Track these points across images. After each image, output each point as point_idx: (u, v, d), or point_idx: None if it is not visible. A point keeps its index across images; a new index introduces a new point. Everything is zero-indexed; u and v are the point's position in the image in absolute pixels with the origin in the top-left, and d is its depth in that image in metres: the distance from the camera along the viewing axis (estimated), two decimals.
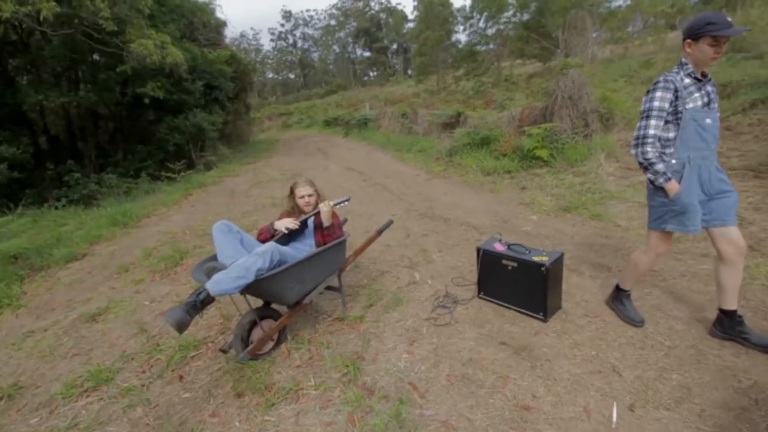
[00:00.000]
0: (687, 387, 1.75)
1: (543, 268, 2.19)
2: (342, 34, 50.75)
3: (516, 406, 1.72)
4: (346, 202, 2.64)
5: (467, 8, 24.59)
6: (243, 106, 16.77)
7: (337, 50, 52.21)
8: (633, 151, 1.96)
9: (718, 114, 1.92)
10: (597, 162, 5.33)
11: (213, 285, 1.85)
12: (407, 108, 13.36)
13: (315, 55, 54.95)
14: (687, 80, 1.87)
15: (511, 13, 23.43)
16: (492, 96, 13.70)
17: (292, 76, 56.65)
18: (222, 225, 2.30)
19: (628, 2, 21.93)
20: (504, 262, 2.40)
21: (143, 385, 2.12)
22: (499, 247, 2.48)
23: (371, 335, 2.36)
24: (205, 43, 12.81)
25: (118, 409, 1.96)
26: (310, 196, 2.63)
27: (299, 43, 54.31)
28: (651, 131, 1.89)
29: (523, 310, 2.38)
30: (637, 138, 1.93)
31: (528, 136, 6.16)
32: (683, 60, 1.90)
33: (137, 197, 8.13)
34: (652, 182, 1.95)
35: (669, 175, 1.88)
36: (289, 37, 53.61)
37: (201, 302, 1.82)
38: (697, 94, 1.86)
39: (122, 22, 8.09)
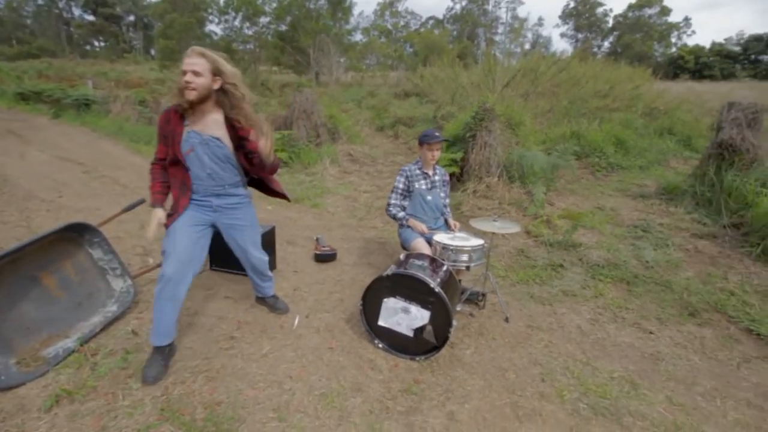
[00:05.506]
0: (341, 299, 2.86)
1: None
2: None
3: (231, 331, 2.36)
4: None
5: (221, 2, 23.83)
6: None
7: (41, 2, 39.18)
8: (386, 212, 2.96)
9: (443, 194, 2.97)
10: (323, 165, 6.75)
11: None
12: (147, 95, 11.93)
13: None
14: (417, 171, 2.92)
15: (267, 20, 24.42)
16: None
17: None
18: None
19: (365, 40, 27.17)
20: None
21: None
22: None
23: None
24: None
25: None
26: (196, 74, 1.78)
27: None
28: (392, 201, 2.93)
29: (244, 273, 3.04)
30: (387, 205, 2.96)
31: None
32: (419, 158, 2.96)
33: None
34: (401, 225, 2.88)
35: (407, 217, 2.85)
36: None
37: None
38: (422, 180, 2.91)
39: None
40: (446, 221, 3.02)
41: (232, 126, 1.92)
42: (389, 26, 33.00)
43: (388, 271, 2.14)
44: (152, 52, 33.96)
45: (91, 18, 39.27)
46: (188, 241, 1.94)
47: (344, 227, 4.42)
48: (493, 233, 2.69)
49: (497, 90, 8.74)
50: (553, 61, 9.98)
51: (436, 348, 2.17)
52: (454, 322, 2.11)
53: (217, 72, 1.82)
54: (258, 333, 2.38)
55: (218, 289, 2.86)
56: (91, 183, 5.59)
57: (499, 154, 5.57)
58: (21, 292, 2.12)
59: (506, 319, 2.74)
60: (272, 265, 3.19)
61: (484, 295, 2.84)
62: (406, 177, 2.94)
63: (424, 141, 2.84)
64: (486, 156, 5.49)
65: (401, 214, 2.90)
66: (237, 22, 24.33)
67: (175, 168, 1.98)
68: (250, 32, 24.92)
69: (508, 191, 5.27)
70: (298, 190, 5.65)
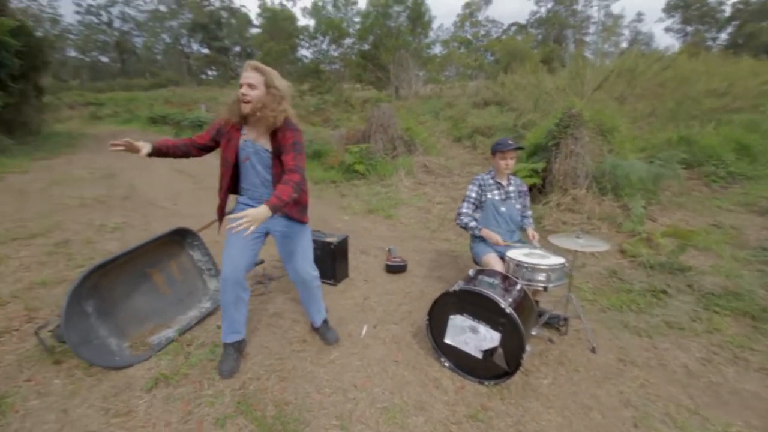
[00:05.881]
0: (410, 312, 2.83)
1: (331, 245, 3.06)
2: (175, 23, 45.61)
3: (304, 334, 2.48)
4: None
5: (311, 28, 25.91)
6: (33, 89, 13.48)
7: (168, 40, 46.59)
8: (456, 221, 2.85)
9: (520, 207, 2.82)
10: (399, 177, 6.83)
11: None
12: None
13: (138, 41, 47.50)
14: (490, 180, 2.83)
15: (351, 41, 25.90)
16: (330, 114, 15.00)
17: (105, 59, 47.31)
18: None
19: (444, 52, 27.24)
20: None
21: None
22: None
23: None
24: None
25: None
26: (251, 87, 1.86)
27: (117, 23, 46.04)
28: (464, 210, 2.81)
29: (321, 279, 3.19)
30: (457, 214, 2.85)
31: (350, 153, 7.34)
32: (492, 167, 2.87)
33: None
34: (473, 235, 2.78)
35: (480, 226, 2.71)
36: (103, 13, 44.91)
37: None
38: (496, 191, 2.81)
39: None
40: (525, 230, 2.83)
41: (274, 135, 1.95)
42: (469, 36, 32.56)
43: (456, 287, 2.06)
44: None
45: (206, 51, 45.60)
46: (243, 247, 2.08)
47: (416, 239, 4.41)
48: (576, 251, 2.44)
49: (586, 94, 8.04)
50: (655, 59, 8.90)
51: (507, 374, 2.02)
52: (528, 348, 1.94)
53: (270, 84, 1.88)
54: None
55: (295, 293, 3.02)
56: (198, 192, 6.41)
57: (588, 164, 5.09)
58: (136, 286, 2.49)
59: (592, 350, 2.44)
60: (344, 273, 3.31)
61: (566, 319, 2.58)
62: (479, 186, 2.84)
63: (496, 149, 2.75)
64: (572, 165, 5.05)
65: (473, 223, 2.77)
66: (324, 45, 26.17)
67: (223, 170, 2.08)
68: (335, 53, 26.63)
69: (599, 204, 4.77)
70: (373, 201, 5.80)
